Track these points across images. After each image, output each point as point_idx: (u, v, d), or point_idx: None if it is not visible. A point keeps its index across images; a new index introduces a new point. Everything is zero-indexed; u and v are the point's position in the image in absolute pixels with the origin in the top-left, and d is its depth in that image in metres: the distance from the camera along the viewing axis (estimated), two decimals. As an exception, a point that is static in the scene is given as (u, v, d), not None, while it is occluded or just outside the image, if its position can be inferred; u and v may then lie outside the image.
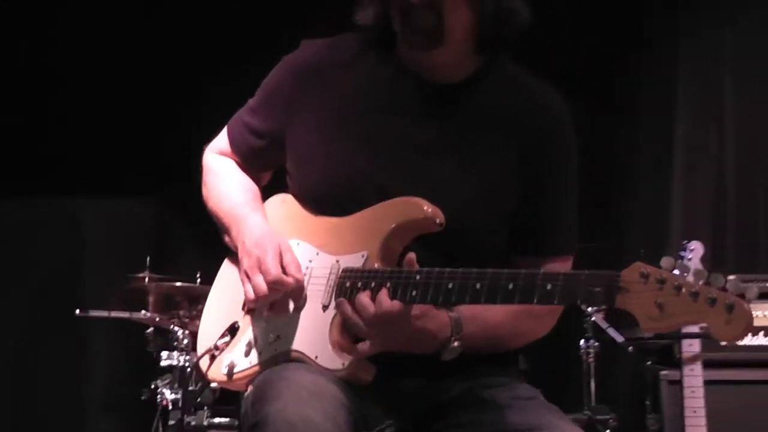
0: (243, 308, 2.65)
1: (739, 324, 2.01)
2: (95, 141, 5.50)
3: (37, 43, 5.57)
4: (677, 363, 4.40)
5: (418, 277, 2.38)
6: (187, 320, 4.13)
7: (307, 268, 2.61)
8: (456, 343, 2.43)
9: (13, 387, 5.41)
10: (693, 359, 4.13)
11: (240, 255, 2.60)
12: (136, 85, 5.60)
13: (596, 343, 4.52)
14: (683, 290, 2.06)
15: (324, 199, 2.64)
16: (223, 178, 2.83)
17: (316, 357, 2.49)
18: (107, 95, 5.60)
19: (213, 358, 2.63)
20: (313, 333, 2.54)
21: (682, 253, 4.12)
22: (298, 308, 2.56)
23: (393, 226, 2.53)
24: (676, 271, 4.10)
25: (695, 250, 4.12)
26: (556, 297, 2.25)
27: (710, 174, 5.60)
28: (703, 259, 4.10)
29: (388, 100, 2.68)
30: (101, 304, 4.48)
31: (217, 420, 3.76)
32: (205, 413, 3.63)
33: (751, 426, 4.52)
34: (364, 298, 2.40)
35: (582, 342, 4.55)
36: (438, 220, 2.46)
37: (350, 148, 2.63)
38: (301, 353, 2.52)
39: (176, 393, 3.92)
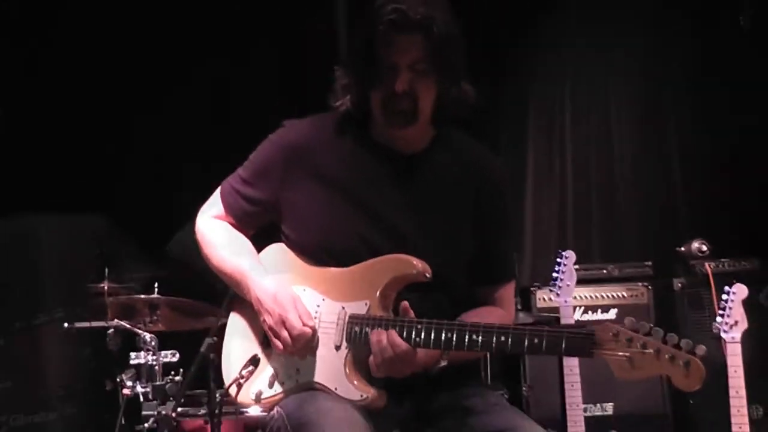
0: (261, 345, 3.12)
1: (695, 377, 2.57)
2: (40, 157, 5.68)
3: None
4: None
5: (419, 326, 2.87)
6: (150, 324, 4.67)
7: (316, 312, 3.06)
8: (443, 363, 2.92)
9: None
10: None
11: (258, 309, 3.05)
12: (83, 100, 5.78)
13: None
14: (648, 348, 2.58)
15: (322, 254, 3.10)
16: (222, 239, 3.23)
17: (336, 388, 2.97)
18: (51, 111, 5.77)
19: (240, 385, 3.05)
20: (329, 368, 3.01)
21: (559, 260, 4.87)
22: (313, 347, 3.02)
23: (390, 278, 2.99)
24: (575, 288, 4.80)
25: (569, 258, 4.86)
26: (543, 347, 2.74)
27: (554, 193, 6.68)
28: (575, 263, 4.89)
29: (368, 171, 3.12)
30: (66, 314, 4.94)
31: (181, 410, 4.29)
32: (173, 404, 4.02)
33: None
34: (382, 339, 2.88)
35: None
36: (427, 274, 2.96)
37: (343, 213, 3.08)
38: (322, 385, 3.00)
39: (144, 387, 4.43)
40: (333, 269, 3.10)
